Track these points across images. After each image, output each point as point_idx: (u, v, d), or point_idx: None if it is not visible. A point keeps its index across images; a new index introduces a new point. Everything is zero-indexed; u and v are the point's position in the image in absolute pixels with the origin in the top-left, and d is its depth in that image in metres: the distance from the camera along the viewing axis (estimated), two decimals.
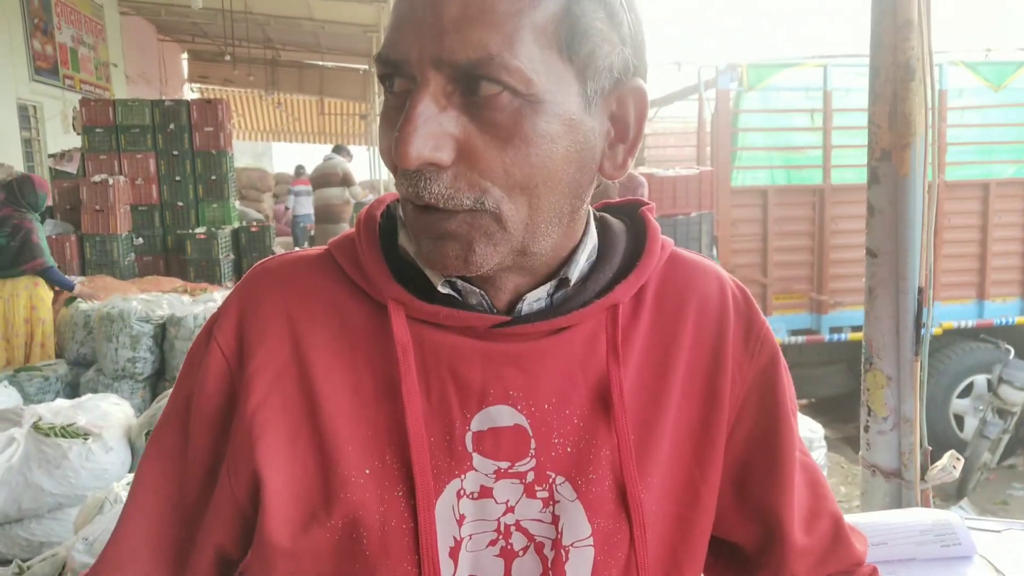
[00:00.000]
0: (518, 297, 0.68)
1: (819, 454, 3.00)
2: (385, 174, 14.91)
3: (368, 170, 16.62)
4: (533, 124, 0.58)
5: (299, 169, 13.55)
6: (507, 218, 0.60)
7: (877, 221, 1.02)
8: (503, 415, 0.66)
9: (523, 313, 0.67)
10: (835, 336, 6.21)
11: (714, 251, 5.71)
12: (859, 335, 4.95)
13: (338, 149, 9.60)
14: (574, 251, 0.69)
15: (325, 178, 9.12)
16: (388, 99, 0.62)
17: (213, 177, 7.97)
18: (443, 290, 0.66)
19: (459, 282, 0.66)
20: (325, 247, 0.74)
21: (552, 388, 0.67)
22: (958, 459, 1.05)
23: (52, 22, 10.61)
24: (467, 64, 0.56)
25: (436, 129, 0.57)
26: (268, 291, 0.70)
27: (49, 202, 5.42)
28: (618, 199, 0.80)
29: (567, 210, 0.64)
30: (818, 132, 6.32)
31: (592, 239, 0.71)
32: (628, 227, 0.75)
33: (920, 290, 1.00)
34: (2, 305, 4.71)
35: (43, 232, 5.17)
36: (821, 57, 6.66)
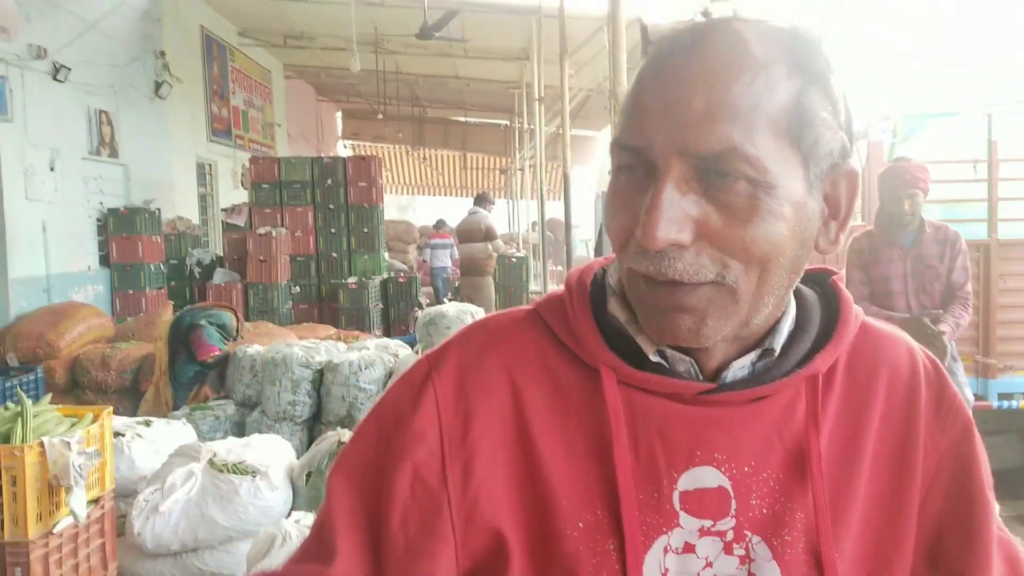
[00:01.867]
0: (724, 364, 0.71)
1: None
2: (523, 227, 15.26)
3: (507, 223, 17.03)
4: (768, 206, 0.62)
5: (439, 223, 14.08)
6: (741, 291, 0.64)
7: None
8: (708, 476, 0.69)
9: (727, 380, 0.71)
10: (1005, 403, 5.76)
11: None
12: None
13: (480, 200, 9.90)
14: (778, 322, 0.72)
15: (469, 233, 9.44)
16: (620, 179, 0.67)
17: (365, 230, 8.42)
18: (654, 359, 0.70)
19: (668, 350, 0.70)
20: (531, 306, 0.79)
21: (752, 452, 0.70)
22: None
23: (228, 88, 11.64)
24: (711, 155, 0.61)
25: (679, 213, 0.62)
26: (488, 349, 0.74)
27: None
28: (808, 268, 0.80)
29: (786, 284, 0.68)
30: (982, 183, 5.96)
31: (792, 310, 0.74)
32: (820, 296, 0.78)
33: None
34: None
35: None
36: (983, 104, 6.32)
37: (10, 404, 3.02)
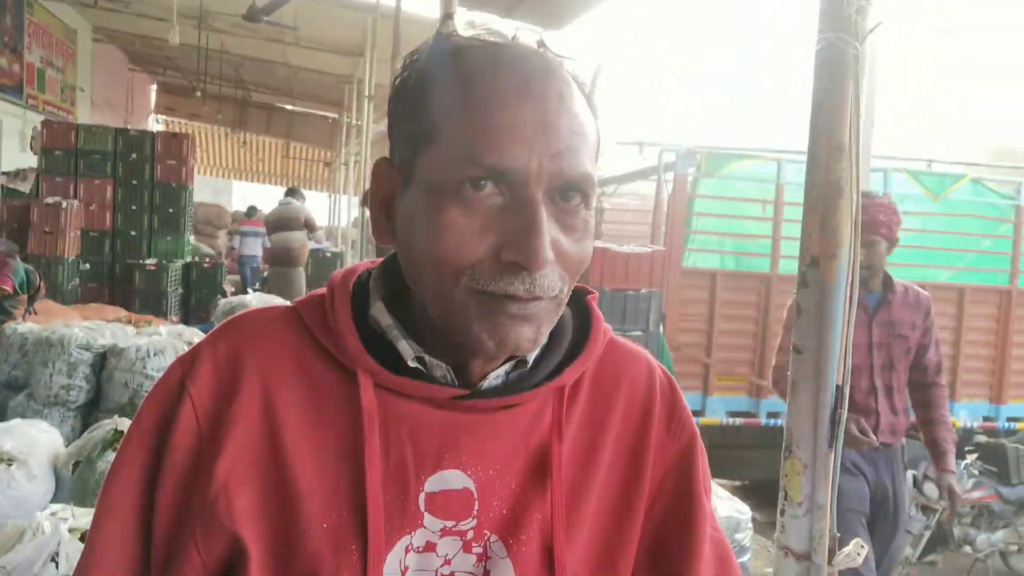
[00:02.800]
0: (484, 375, 0.74)
1: (746, 535, 3.06)
2: (344, 221, 14.95)
3: (328, 216, 16.63)
4: (589, 227, 0.69)
5: (251, 210, 13.48)
6: (562, 303, 0.71)
7: (803, 321, 1.12)
8: (454, 479, 0.72)
9: (483, 388, 0.74)
10: (772, 421, 6.35)
11: (661, 328, 5.83)
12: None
13: (292, 192, 9.60)
14: None
15: (286, 222, 9.13)
16: (471, 197, 0.65)
17: (171, 210, 7.92)
18: (412, 364, 0.72)
19: (427, 357, 0.73)
20: (291, 304, 0.79)
21: (498, 456, 0.74)
22: (862, 547, 1.13)
23: (23, 42, 10.55)
24: (576, 180, 0.66)
25: (549, 236, 0.65)
26: (243, 349, 0.74)
27: None
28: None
29: None
30: (768, 222, 6.55)
31: None
32: (574, 313, 0.83)
33: (838, 387, 1.09)
34: None
35: None
36: (776, 152, 6.96)
37: None
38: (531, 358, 0.76)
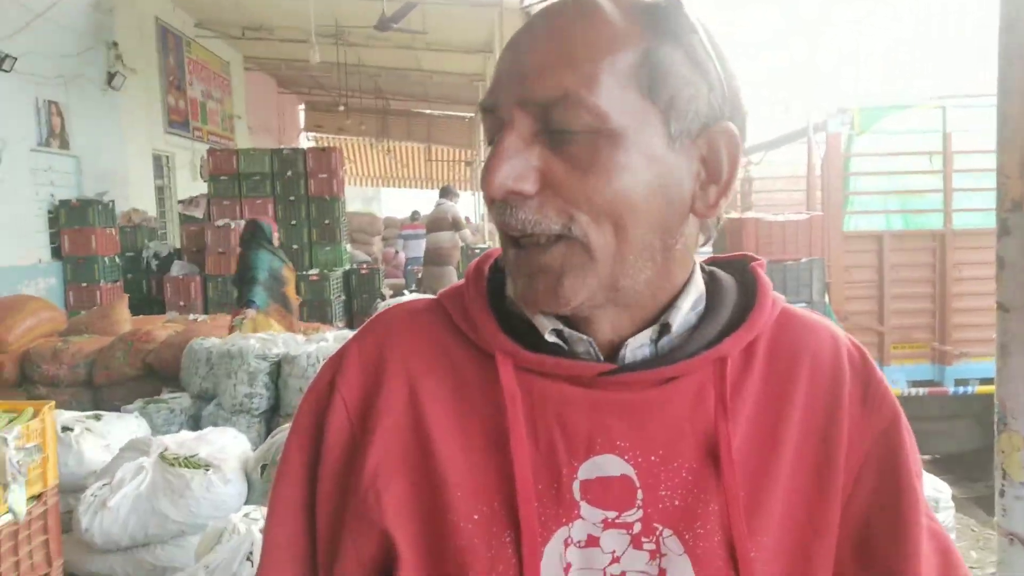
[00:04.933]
0: (620, 342, 0.68)
1: (946, 515, 2.81)
2: (489, 219, 15.25)
3: (473, 214, 17.01)
4: (611, 155, 0.61)
5: (414, 214, 14.12)
6: (595, 247, 0.62)
7: (1008, 274, 0.98)
8: (610, 464, 0.66)
9: (627, 361, 0.68)
10: (961, 389, 5.87)
11: (826, 298, 5.53)
12: (988, 388, 4.61)
13: (445, 192, 9.87)
14: (676, 297, 0.69)
15: (436, 222, 9.40)
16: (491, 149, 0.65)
17: (326, 221, 8.33)
18: (550, 338, 0.67)
19: (566, 330, 0.68)
20: (435, 297, 0.77)
21: (659, 440, 0.67)
22: None
23: (185, 79, 11.43)
24: (547, 101, 0.61)
25: (520, 163, 0.61)
26: (386, 343, 0.73)
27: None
28: (725, 255, 0.79)
29: (658, 246, 0.65)
30: (937, 175, 6.06)
31: (697, 288, 0.71)
32: (738, 281, 0.75)
33: None
34: None
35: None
36: (938, 98, 6.42)
37: None
38: (675, 321, 0.68)
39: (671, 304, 0.69)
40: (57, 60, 7.56)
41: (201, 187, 10.49)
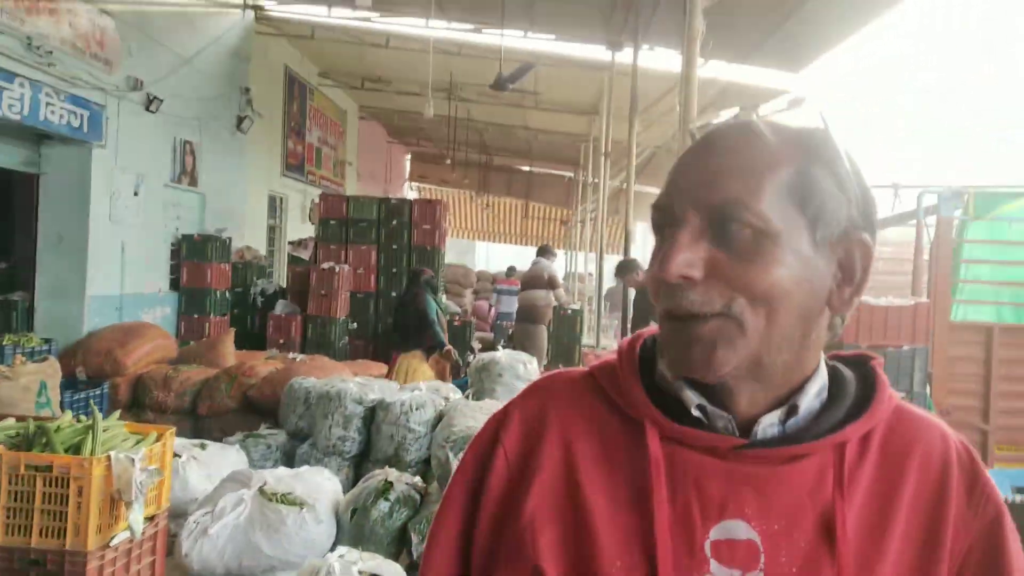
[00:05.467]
0: (753, 419, 0.78)
1: None
2: (578, 279, 15.36)
3: (564, 274, 17.14)
4: (769, 251, 0.73)
5: (510, 269, 14.36)
6: (748, 325, 0.73)
7: None
8: (739, 529, 0.75)
9: (759, 437, 0.77)
10: None
11: (927, 389, 5.32)
12: None
13: (543, 251, 10.02)
14: (805, 382, 0.79)
15: (532, 280, 9.55)
16: (656, 239, 0.78)
17: None
18: (695, 412, 0.78)
19: (708, 406, 0.78)
20: (588, 369, 0.89)
21: (783, 511, 0.76)
22: None
23: (305, 125, 12.08)
24: (720, 204, 0.73)
25: (691, 253, 0.73)
26: (546, 405, 0.85)
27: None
28: (848, 352, 0.88)
29: (798, 333, 0.76)
30: None
31: (822, 378, 0.81)
32: (858, 376, 0.84)
33: None
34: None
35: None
36: None
37: (82, 417, 3.16)
38: (802, 403, 0.78)
39: (800, 388, 0.78)
40: (195, 103, 8.15)
41: (309, 229, 10.98)
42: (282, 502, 3.43)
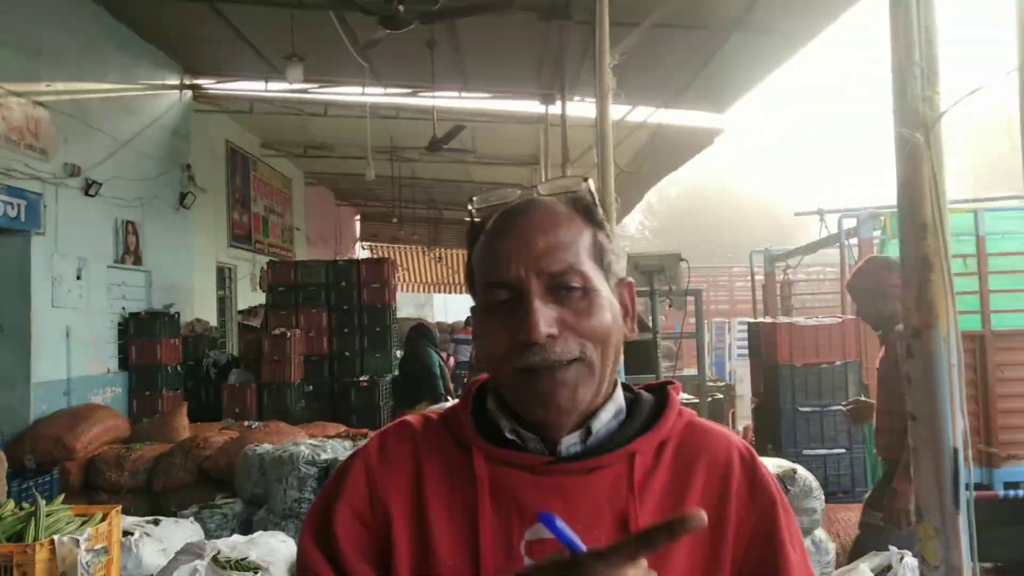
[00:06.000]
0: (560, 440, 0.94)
1: None
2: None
3: None
4: (597, 302, 0.92)
5: (468, 320, 14.44)
6: (595, 364, 0.91)
7: (915, 389, 1.15)
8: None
9: (563, 454, 0.94)
10: (1011, 492, 5.72)
11: (862, 398, 5.53)
12: None
13: None
14: (600, 409, 0.95)
15: None
16: (496, 311, 0.93)
17: (377, 329, 8.65)
18: (509, 436, 0.95)
19: (521, 430, 0.94)
20: (442, 412, 1.05)
21: (585, 513, 0.91)
22: None
23: (250, 196, 12.18)
24: (558, 272, 0.91)
25: (547, 315, 0.89)
26: (399, 437, 1.02)
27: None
28: (656, 382, 1.08)
29: (613, 361, 0.94)
30: (973, 278, 6.10)
31: (617, 403, 0.98)
32: (656, 400, 1.02)
33: (955, 451, 1.12)
34: None
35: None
36: (970, 202, 6.53)
37: (24, 505, 3.18)
38: (595, 426, 0.94)
39: (594, 414, 0.95)
40: (136, 183, 8.21)
41: (260, 297, 11.00)
42: (236, 568, 3.46)
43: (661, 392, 1.04)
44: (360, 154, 10.84)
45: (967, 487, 1.09)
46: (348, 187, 16.45)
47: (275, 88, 9.84)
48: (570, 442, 0.94)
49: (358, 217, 20.10)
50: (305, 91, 9.71)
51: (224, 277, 11.30)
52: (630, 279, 1.01)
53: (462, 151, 10.14)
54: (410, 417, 1.06)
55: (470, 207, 1.01)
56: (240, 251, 11.67)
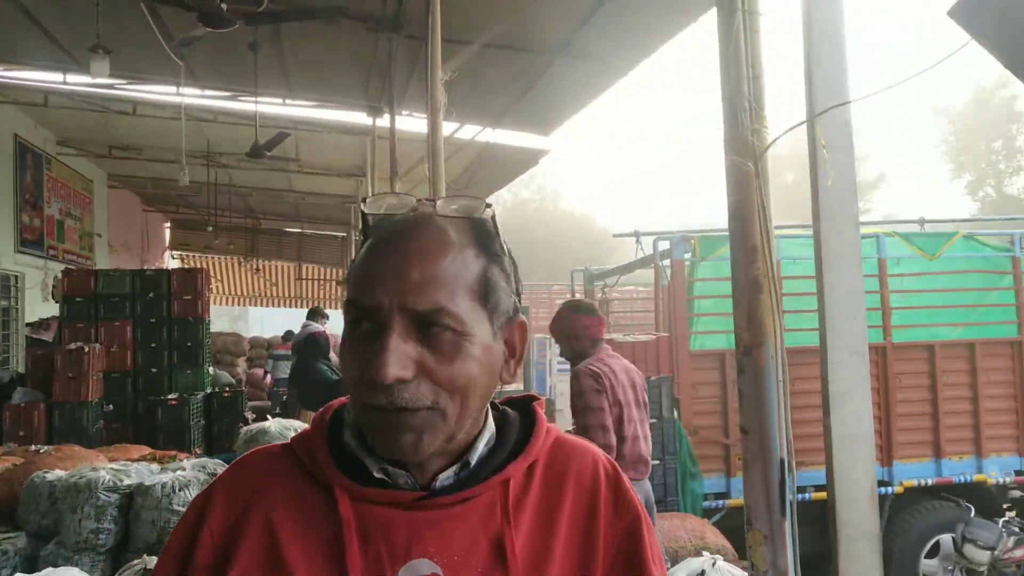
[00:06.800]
0: (435, 474, 0.90)
1: None
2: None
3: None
4: (467, 349, 0.85)
5: (287, 334, 13.89)
6: (449, 413, 0.85)
7: (746, 403, 1.23)
8: (422, 566, 0.87)
9: (436, 488, 0.90)
10: (801, 496, 6.27)
11: (675, 413, 5.87)
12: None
13: (313, 314, 9.86)
14: (476, 438, 0.92)
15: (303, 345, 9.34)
16: (354, 331, 0.86)
17: (189, 344, 8.12)
18: (378, 475, 0.89)
19: (390, 468, 0.89)
20: (287, 442, 0.97)
21: (460, 544, 0.88)
22: None
23: (42, 197, 11.08)
24: (426, 312, 0.83)
25: (403, 356, 0.82)
26: (247, 482, 0.93)
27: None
28: (518, 395, 1.05)
29: (479, 407, 0.90)
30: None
31: (489, 429, 0.95)
32: (523, 418, 0.99)
33: (782, 461, 1.20)
34: None
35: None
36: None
37: None
38: (473, 458, 0.91)
39: (471, 446, 0.92)
40: None
41: (53, 308, 10.01)
42: None
43: (526, 408, 1.01)
44: (172, 157, 10.18)
45: (792, 496, 1.17)
46: (158, 192, 15.38)
47: (75, 81, 9.02)
48: (445, 476, 0.91)
49: (168, 224, 18.86)
50: (111, 87, 8.98)
51: (8, 286, 10.19)
52: (522, 319, 0.95)
53: (285, 159, 9.80)
54: (248, 457, 0.97)
55: (362, 207, 0.92)
56: (30, 257, 10.57)
